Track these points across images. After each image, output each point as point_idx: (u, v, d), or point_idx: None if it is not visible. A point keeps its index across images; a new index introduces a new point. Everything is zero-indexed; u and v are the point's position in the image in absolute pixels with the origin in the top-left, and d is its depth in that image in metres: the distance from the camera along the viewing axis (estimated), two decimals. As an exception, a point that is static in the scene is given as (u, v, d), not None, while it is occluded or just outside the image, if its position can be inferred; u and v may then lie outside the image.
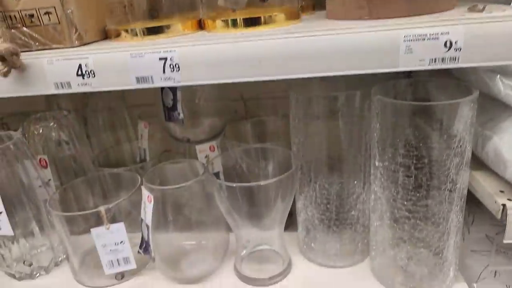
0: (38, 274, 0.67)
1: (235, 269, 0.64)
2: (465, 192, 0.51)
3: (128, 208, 0.64)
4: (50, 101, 0.92)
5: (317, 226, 0.62)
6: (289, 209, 0.60)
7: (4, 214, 0.60)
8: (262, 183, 0.54)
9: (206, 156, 0.72)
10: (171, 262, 0.64)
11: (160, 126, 0.84)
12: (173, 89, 0.64)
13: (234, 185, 0.54)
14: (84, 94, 0.92)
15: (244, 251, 0.65)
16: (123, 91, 0.91)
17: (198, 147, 0.72)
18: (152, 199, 0.57)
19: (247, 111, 0.89)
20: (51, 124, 0.73)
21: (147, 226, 0.59)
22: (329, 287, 0.58)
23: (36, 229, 0.67)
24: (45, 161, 0.71)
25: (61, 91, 0.45)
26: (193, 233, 0.63)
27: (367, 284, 0.58)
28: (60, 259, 0.70)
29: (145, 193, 0.58)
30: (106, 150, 0.87)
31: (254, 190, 0.55)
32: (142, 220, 0.60)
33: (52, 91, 0.45)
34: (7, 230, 0.61)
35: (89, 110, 0.90)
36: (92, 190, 0.72)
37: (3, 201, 0.60)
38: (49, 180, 0.71)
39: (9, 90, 0.46)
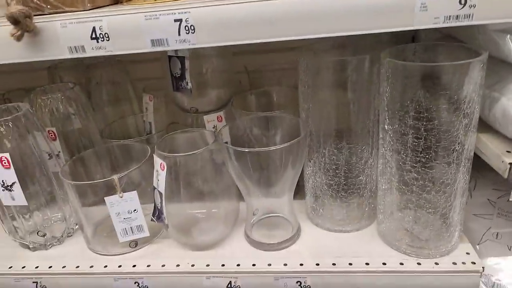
0: (51, 244, 0.69)
1: (246, 235, 0.65)
2: (472, 154, 0.52)
3: (139, 178, 0.65)
4: (52, 75, 0.92)
5: (325, 192, 0.63)
6: (298, 176, 0.61)
7: (17, 184, 0.61)
8: (272, 148, 0.55)
9: (214, 127, 0.73)
10: (182, 230, 0.65)
11: (165, 99, 0.85)
12: (181, 58, 0.64)
13: (245, 150, 0.55)
14: (87, 68, 0.91)
15: (254, 219, 0.66)
16: (126, 65, 0.91)
17: (206, 118, 0.72)
18: (165, 167, 0.57)
19: (251, 83, 0.89)
20: (58, 95, 0.73)
21: (160, 193, 0.60)
22: (338, 250, 0.60)
23: (48, 200, 0.67)
24: (54, 134, 0.72)
25: (75, 55, 0.45)
26: (204, 202, 0.64)
27: (375, 247, 0.60)
28: (72, 230, 0.72)
29: (158, 161, 0.59)
30: (110, 124, 0.87)
31: (264, 156, 0.56)
32: (154, 188, 0.61)
33: (66, 55, 0.45)
34: (21, 200, 0.62)
35: (92, 84, 0.90)
36: (101, 161, 0.73)
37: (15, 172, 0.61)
38: (59, 152, 0.72)
39: (21, 55, 0.46)
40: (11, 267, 0.65)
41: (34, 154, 0.64)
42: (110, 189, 0.61)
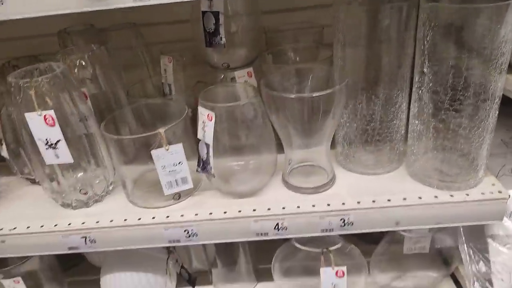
0: (93, 202, 0.70)
1: (285, 182, 0.69)
2: (501, 94, 0.57)
3: (179, 133, 0.66)
4: (64, 40, 0.90)
5: (359, 138, 0.67)
6: (337, 124, 0.64)
7: (63, 142, 0.61)
8: (315, 94, 0.57)
9: (245, 82, 0.74)
10: (225, 179, 0.68)
11: (187, 60, 0.85)
12: (215, 13, 0.65)
13: (291, 96, 0.58)
14: (100, 32, 0.90)
15: (292, 167, 0.70)
16: (139, 28, 0.90)
17: (236, 73, 0.74)
18: (213, 117, 0.59)
19: (267, 42, 0.91)
20: (86, 56, 0.72)
21: (207, 144, 0.62)
22: (374, 190, 0.65)
23: (88, 159, 0.68)
24: (85, 94, 0.72)
25: (138, 3, 0.45)
26: (245, 152, 0.67)
27: (408, 185, 0.65)
28: (110, 188, 0.73)
29: (205, 112, 0.60)
30: (127, 87, 0.87)
31: (307, 103, 0.58)
32: (199, 140, 0.63)
33: (130, 3, 0.45)
34: (67, 158, 0.63)
35: (107, 49, 0.89)
36: (134, 120, 0.74)
37: (57, 130, 0.61)
38: (91, 112, 0.72)
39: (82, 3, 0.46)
40: (56, 225, 0.67)
41: (74, 113, 0.65)
42: (149, 145, 0.63)
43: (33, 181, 0.79)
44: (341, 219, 0.62)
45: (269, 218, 0.63)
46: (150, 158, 0.66)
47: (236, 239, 0.65)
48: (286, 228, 0.63)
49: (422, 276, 0.81)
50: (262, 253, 0.87)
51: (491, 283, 0.66)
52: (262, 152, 0.66)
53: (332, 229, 0.63)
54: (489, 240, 0.68)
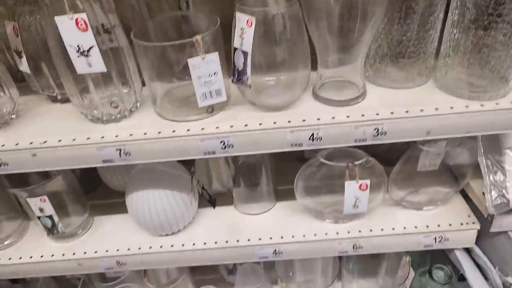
0: (122, 117, 0.69)
1: (315, 95, 0.70)
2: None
3: (210, 43, 0.65)
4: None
5: (393, 49, 0.67)
6: (374, 36, 0.64)
7: (96, 48, 0.59)
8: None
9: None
10: (257, 92, 0.68)
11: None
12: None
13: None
14: None
15: (323, 82, 0.70)
16: None
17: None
18: (253, 22, 0.58)
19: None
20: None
21: (245, 53, 0.61)
22: (406, 102, 0.66)
23: (117, 73, 0.66)
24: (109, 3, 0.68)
25: None
26: (279, 66, 0.66)
27: (439, 97, 0.67)
28: (139, 104, 0.72)
29: (243, 17, 0.59)
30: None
31: (347, 5, 0.57)
32: (235, 49, 0.62)
33: None
34: (100, 66, 0.61)
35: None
36: (159, 33, 0.71)
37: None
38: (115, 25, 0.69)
39: None
40: (89, 138, 0.66)
41: (104, 22, 0.62)
42: (182, 56, 0.61)
43: (54, 99, 0.77)
44: (375, 129, 0.64)
45: (305, 129, 0.64)
46: (180, 73, 0.65)
47: (271, 150, 0.66)
48: (321, 138, 0.65)
49: (434, 192, 0.86)
50: (281, 175, 0.90)
51: (507, 190, 0.70)
52: (297, 65, 0.65)
53: (365, 139, 0.65)
54: (507, 151, 0.72)
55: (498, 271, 0.85)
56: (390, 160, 0.84)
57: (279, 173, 0.91)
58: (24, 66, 0.71)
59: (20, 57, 0.70)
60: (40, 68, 0.72)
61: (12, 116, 0.73)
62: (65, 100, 0.76)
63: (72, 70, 0.61)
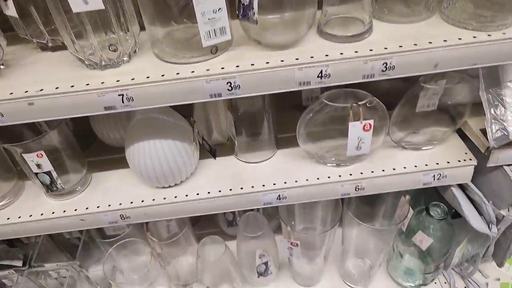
0: (122, 61, 0.66)
1: (320, 32, 0.68)
2: None
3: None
4: None
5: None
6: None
7: (92, -17, 0.55)
8: None
9: None
10: (264, 29, 0.65)
11: None
12: None
13: None
14: None
15: (328, 19, 0.68)
16: None
17: None
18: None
19: None
20: None
21: (251, -15, 0.58)
22: (412, 35, 0.65)
23: (114, 14, 0.62)
24: None
25: None
26: (285, 4, 0.63)
27: (446, 30, 0.66)
28: (137, 49, 0.69)
29: None
30: None
31: None
32: (240, -18, 0.59)
33: None
34: (97, 3, 0.57)
35: None
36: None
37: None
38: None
39: None
40: (88, 84, 0.63)
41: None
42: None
43: (45, 47, 0.72)
44: (383, 63, 0.63)
45: (313, 65, 0.63)
46: (182, 13, 0.62)
47: (279, 89, 0.65)
48: (329, 75, 0.64)
49: (433, 132, 0.87)
50: (281, 123, 0.89)
51: (507, 122, 0.72)
52: (304, 1, 0.63)
53: (374, 75, 0.64)
54: (509, 84, 0.73)
55: (492, 205, 0.89)
56: (387, 104, 0.84)
57: (278, 122, 0.90)
58: (10, 10, 0.65)
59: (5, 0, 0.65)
60: (29, 13, 0.66)
61: (1, 66, 0.68)
62: (56, 48, 0.71)
63: (67, 10, 0.57)
